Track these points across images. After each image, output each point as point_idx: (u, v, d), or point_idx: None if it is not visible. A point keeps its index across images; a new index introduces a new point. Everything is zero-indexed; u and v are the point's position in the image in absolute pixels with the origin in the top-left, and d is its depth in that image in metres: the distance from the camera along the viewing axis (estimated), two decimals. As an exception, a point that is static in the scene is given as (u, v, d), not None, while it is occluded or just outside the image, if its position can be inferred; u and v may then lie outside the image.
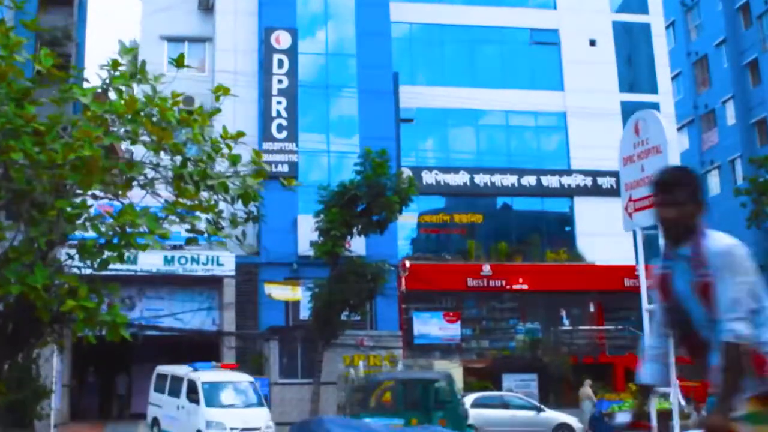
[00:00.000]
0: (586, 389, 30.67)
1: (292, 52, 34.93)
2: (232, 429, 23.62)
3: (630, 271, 35.61)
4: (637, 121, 14.49)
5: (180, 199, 12.47)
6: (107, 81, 11.85)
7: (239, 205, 12.54)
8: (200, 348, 33.99)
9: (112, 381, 35.36)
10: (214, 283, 32.07)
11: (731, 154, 48.07)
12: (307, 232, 30.84)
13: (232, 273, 31.80)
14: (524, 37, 39.31)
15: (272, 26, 35.10)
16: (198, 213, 12.54)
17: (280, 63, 34.77)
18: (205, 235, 12.32)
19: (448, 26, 38.85)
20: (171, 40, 36.64)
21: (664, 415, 25.43)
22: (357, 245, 31.69)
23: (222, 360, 31.62)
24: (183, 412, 24.84)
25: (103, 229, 11.12)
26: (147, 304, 32.45)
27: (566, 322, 35.44)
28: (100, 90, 11.83)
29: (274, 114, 34.27)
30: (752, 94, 47.96)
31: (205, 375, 25.72)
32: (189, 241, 13.02)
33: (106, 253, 11.24)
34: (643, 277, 15.31)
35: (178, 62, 12.65)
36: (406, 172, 33.75)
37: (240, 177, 13.10)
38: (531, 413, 27.58)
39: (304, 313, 31.80)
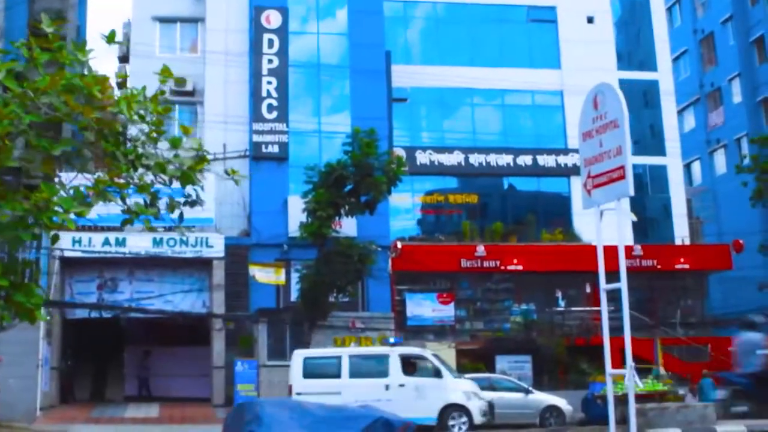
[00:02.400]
0: None
1: (282, 31, 34.55)
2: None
3: (628, 251, 35.15)
4: (596, 95, 13.97)
5: (112, 178, 12.13)
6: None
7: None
8: (191, 330, 33.93)
9: (106, 364, 35.25)
10: (203, 264, 31.84)
11: (737, 132, 47.31)
12: (297, 213, 30.47)
13: (222, 255, 31.52)
14: (521, 14, 38.76)
15: (263, 5, 34.71)
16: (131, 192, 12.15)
17: (270, 42, 34.39)
18: (135, 214, 11.92)
19: (444, 4, 38.43)
20: (163, 20, 36.32)
21: (655, 398, 25.09)
22: (349, 226, 31.41)
23: (212, 341, 31.48)
24: (402, 391, 23.26)
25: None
26: (137, 287, 32.26)
27: (562, 303, 34.98)
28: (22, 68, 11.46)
29: (264, 94, 33.93)
30: (759, 71, 47.17)
31: (412, 349, 25.44)
32: (124, 222, 12.65)
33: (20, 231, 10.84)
34: (601, 257, 14.90)
35: (109, 38, 12.21)
36: (399, 153, 33.47)
37: (179, 158, 12.68)
38: (519, 395, 27.15)
39: (295, 295, 31.54)
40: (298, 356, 24.43)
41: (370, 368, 23.94)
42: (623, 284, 13.86)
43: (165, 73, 13.59)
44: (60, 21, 33.13)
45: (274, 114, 33.82)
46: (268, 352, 31.20)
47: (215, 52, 34.62)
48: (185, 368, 34.04)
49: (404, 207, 36.12)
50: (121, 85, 36.03)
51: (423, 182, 36.37)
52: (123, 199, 12.24)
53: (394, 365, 23.81)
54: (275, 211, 33.06)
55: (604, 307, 14.84)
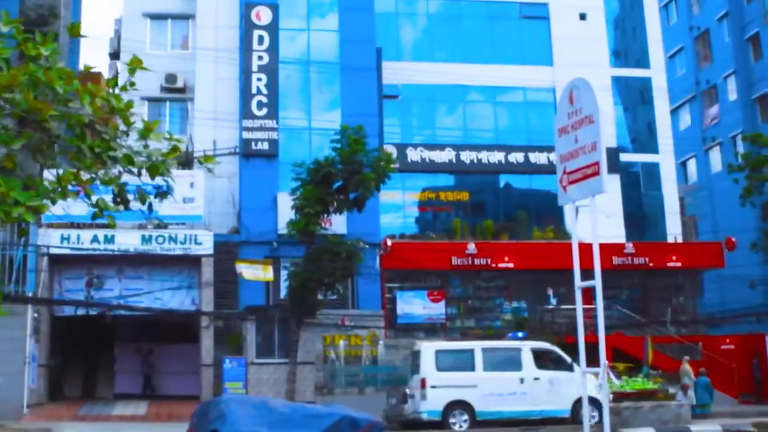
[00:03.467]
0: (686, 366, 30.16)
1: (272, 28, 34.40)
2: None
3: (619, 249, 35.16)
4: (571, 90, 13.87)
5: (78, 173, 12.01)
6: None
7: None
8: (180, 328, 33.83)
9: (97, 361, 35.19)
10: (192, 262, 31.75)
11: (733, 130, 47.15)
12: (287, 210, 30.32)
13: (211, 252, 31.42)
14: (513, 11, 38.57)
15: (253, 2, 34.57)
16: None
17: (261, 39, 34.25)
18: (97, 210, 11.78)
19: (435, 1, 38.29)
20: (154, 17, 36.29)
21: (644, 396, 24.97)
22: (339, 224, 31.32)
23: (201, 339, 31.40)
24: (536, 385, 23.60)
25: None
26: (126, 284, 32.18)
27: (553, 301, 34.83)
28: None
29: (254, 91, 33.79)
30: (754, 69, 47.00)
31: (541, 343, 25.61)
32: (94, 216, 12.51)
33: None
34: (576, 255, 14.78)
35: (74, 32, 12.08)
36: (390, 150, 33.36)
37: (147, 149, 12.53)
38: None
39: (284, 293, 31.41)
40: (429, 349, 24.29)
41: (504, 362, 24.08)
42: (597, 282, 13.75)
43: (134, 63, 13.45)
44: (51, 18, 32.82)
45: (264, 111, 33.69)
46: (256, 349, 31.13)
47: (206, 48, 34.50)
48: (175, 365, 34.00)
49: (395, 204, 35.92)
50: (112, 81, 35.79)
51: (414, 179, 36.17)
52: (88, 195, 12.12)
53: (527, 359, 24.04)
54: (265, 209, 32.93)
55: (579, 305, 14.76)
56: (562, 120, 13.96)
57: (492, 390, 23.07)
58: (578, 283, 14.54)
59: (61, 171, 12.05)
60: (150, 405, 30.15)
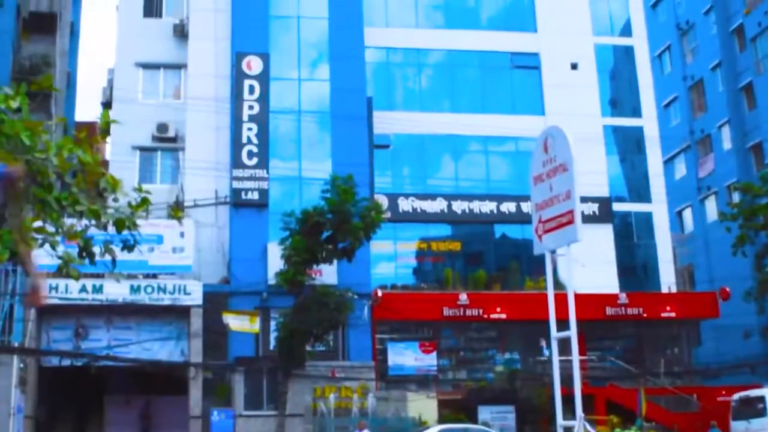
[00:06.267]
0: None
1: (263, 77, 34.48)
2: None
3: (612, 299, 34.90)
4: (546, 138, 13.77)
5: (44, 224, 11.98)
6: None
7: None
8: (169, 379, 33.47)
9: (86, 412, 34.78)
10: (181, 312, 31.55)
11: (728, 179, 47.01)
12: (277, 260, 30.24)
13: (200, 302, 31.24)
14: (504, 61, 38.63)
15: (244, 52, 34.69)
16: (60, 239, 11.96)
17: (251, 89, 34.31)
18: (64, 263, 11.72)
19: (426, 50, 38.38)
20: (146, 66, 36.32)
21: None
22: (330, 274, 31.18)
23: (189, 390, 31.06)
24: None
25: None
26: (114, 334, 31.97)
27: (546, 352, 34.42)
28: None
29: (244, 140, 33.78)
30: (748, 118, 47.02)
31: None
32: (59, 268, 12.45)
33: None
34: (552, 305, 14.57)
35: (45, 84, 12.09)
36: (381, 200, 33.30)
37: (116, 204, 12.51)
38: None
39: (274, 344, 31.17)
40: None
41: None
42: (573, 333, 13.50)
43: (105, 117, 13.43)
44: (45, 67, 32.88)
45: (255, 160, 33.65)
46: (245, 401, 30.86)
47: (197, 98, 34.53)
48: (165, 417, 33.60)
49: (387, 254, 35.71)
50: (101, 136, 35.85)
51: (406, 229, 35.97)
52: (53, 246, 12.05)
53: None
54: (255, 259, 32.74)
55: (555, 356, 14.50)
56: (537, 168, 13.86)
57: None
58: (554, 334, 14.30)
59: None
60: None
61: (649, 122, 39.37)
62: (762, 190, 35.62)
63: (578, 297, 15.15)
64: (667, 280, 37.58)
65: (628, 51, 40.41)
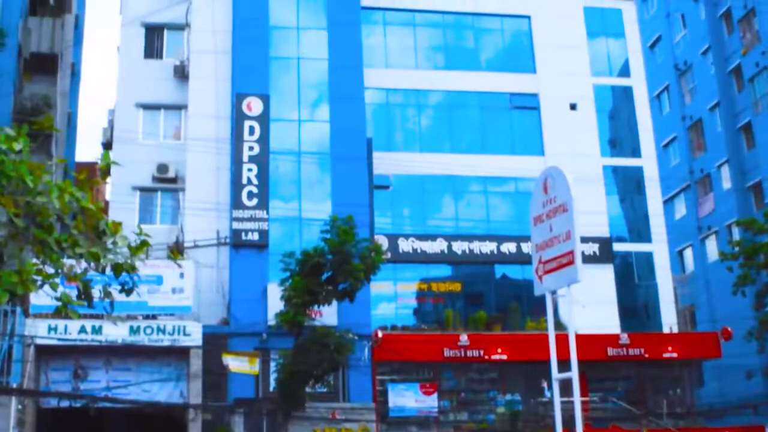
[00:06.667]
0: None
1: (263, 118, 34.59)
2: None
3: (614, 340, 34.75)
4: (546, 179, 13.80)
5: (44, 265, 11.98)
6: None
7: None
8: (169, 421, 33.27)
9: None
10: (181, 353, 31.37)
11: (728, 219, 47.11)
12: (277, 301, 30.16)
13: (199, 343, 31.12)
14: (503, 101, 38.78)
15: (244, 93, 34.85)
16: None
17: (251, 130, 34.41)
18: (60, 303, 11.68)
19: (425, 91, 38.55)
20: (146, 107, 36.45)
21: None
22: (330, 315, 31.10)
23: (188, 433, 30.87)
24: None
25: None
26: (113, 375, 31.75)
27: (548, 393, 34.23)
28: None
29: (244, 181, 33.81)
30: (747, 157, 47.20)
31: None
32: (58, 310, 12.40)
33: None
34: (553, 346, 14.50)
35: (45, 124, 12.15)
36: (381, 240, 33.30)
37: (115, 247, 12.50)
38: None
39: (274, 385, 31.01)
40: None
41: None
42: (574, 374, 13.43)
43: (105, 158, 13.51)
44: (46, 107, 33.02)
45: (255, 201, 33.68)
46: (243, 443, 30.60)
47: (197, 138, 34.63)
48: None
49: (387, 295, 35.64)
50: (101, 177, 36.03)
51: (406, 270, 35.93)
52: (53, 288, 12.04)
53: None
54: (255, 299, 32.65)
55: (557, 397, 14.41)
56: (537, 209, 13.88)
57: None
58: (555, 375, 14.22)
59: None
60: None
61: (648, 162, 39.45)
62: (765, 226, 35.64)
63: (579, 337, 15.09)
64: (669, 321, 37.47)
65: (627, 91, 40.58)
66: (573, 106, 38.77)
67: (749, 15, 48.08)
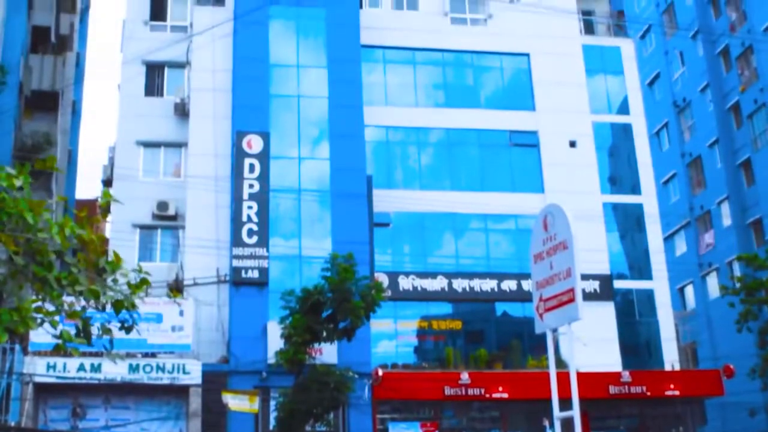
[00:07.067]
0: None
1: (263, 156, 34.69)
2: None
3: (615, 378, 34.56)
4: (545, 216, 13.79)
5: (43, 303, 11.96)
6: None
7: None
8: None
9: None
10: (180, 391, 31.26)
11: (728, 255, 47.06)
12: (277, 339, 30.10)
13: (199, 381, 30.99)
14: (503, 139, 38.90)
15: (244, 130, 34.97)
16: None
17: (251, 167, 34.49)
18: (63, 343, 11.64)
19: (425, 129, 38.64)
20: (147, 145, 36.54)
21: None
22: (330, 353, 30.98)
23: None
24: None
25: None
26: (112, 414, 31.63)
27: (549, 431, 34.05)
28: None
29: (244, 219, 33.83)
30: (747, 194, 47.24)
31: None
32: (57, 347, 12.36)
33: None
34: (554, 384, 14.41)
35: (48, 165, 12.20)
36: (381, 278, 33.24)
37: (116, 285, 12.47)
38: None
39: (274, 424, 30.80)
40: None
41: None
42: (576, 412, 13.32)
43: (106, 196, 13.51)
44: (47, 145, 33.05)
45: (255, 239, 33.67)
46: (243, 484, 30.35)
47: (197, 176, 34.70)
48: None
49: (387, 333, 35.52)
50: (102, 215, 36.02)
51: (406, 308, 35.84)
52: (53, 325, 12.01)
53: None
54: (255, 337, 32.56)
55: (559, 436, 14.27)
56: (537, 246, 13.87)
57: None
58: (557, 414, 14.11)
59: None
60: None
61: (648, 199, 39.46)
62: (767, 263, 35.59)
63: (581, 376, 15.01)
64: (671, 358, 37.29)
65: (626, 129, 40.68)
66: (572, 144, 38.87)
67: (747, 52, 48.36)
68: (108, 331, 12.58)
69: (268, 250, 33.68)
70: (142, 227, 35.22)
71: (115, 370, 30.14)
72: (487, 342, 36.68)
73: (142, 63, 37.44)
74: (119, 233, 34.34)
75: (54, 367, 30.01)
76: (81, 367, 30.23)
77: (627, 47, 42.11)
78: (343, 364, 30.17)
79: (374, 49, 38.89)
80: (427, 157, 38.67)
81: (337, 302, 27.92)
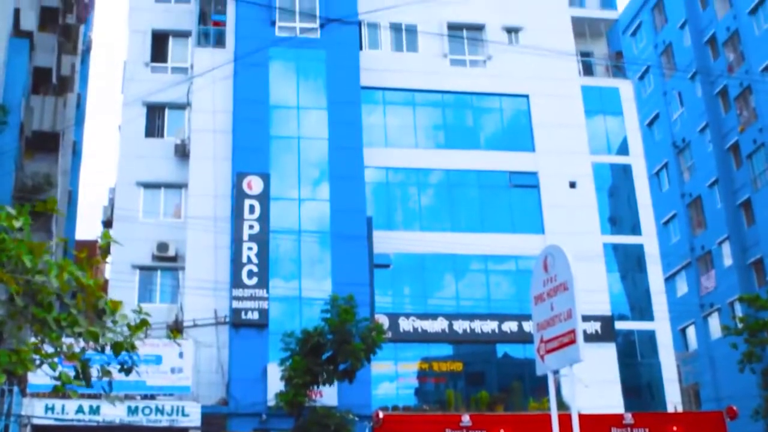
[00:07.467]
0: None
1: (263, 197, 34.72)
2: None
3: (618, 420, 34.23)
4: (546, 257, 13.76)
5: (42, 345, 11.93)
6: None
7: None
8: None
9: None
10: (179, 434, 31.04)
11: (730, 295, 46.96)
12: (277, 381, 29.99)
13: (198, 424, 30.76)
14: (503, 180, 38.95)
15: (245, 172, 35.02)
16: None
17: (252, 208, 34.51)
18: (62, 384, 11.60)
19: (425, 170, 38.71)
20: (147, 186, 36.56)
21: None
22: (330, 395, 30.82)
23: None
24: None
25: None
26: (111, 458, 31.33)
27: (551, 473, 33.73)
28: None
29: (244, 260, 33.78)
30: (747, 234, 47.23)
31: None
32: (56, 389, 12.31)
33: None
34: (556, 426, 14.29)
35: (49, 207, 12.23)
36: (382, 319, 33.15)
37: (115, 327, 12.44)
38: None
39: (274, 466, 30.64)
40: None
41: None
42: (578, 455, 13.16)
43: (106, 237, 13.51)
44: (47, 186, 33.08)
45: (255, 280, 33.60)
46: None
47: (198, 217, 34.70)
48: None
49: (388, 375, 35.34)
50: (102, 256, 35.95)
51: (407, 350, 35.68)
52: (53, 367, 11.96)
53: None
54: (255, 379, 32.37)
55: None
56: (538, 288, 13.83)
57: None
58: (562, 457, 13.99)
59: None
60: None
61: (648, 239, 39.43)
62: (768, 303, 35.53)
63: (583, 418, 14.87)
64: (673, 399, 37.05)
65: (626, 169, 40.75)
66: (572, 184, 38.91)
67: (745, 92, 48.61)
68: (107, 373, 12.53)
69: (268, 292, 33.60)
70: (142, 268, 35.14)
71: (113, 413, 29.89)
72: (488, 384, 36.45)
73: (143, 104, 37.57)
74: (119, 274, 34.28)
75: (52, 408, 29.80)
76: (80, 409, 30.00)
77: (626, 88, 42.29)
78: (343, 407, 30.07)
79: (374, 90, 39.06)
80: (427, 198, 38.70)
81: (337, 344, 27.90)
